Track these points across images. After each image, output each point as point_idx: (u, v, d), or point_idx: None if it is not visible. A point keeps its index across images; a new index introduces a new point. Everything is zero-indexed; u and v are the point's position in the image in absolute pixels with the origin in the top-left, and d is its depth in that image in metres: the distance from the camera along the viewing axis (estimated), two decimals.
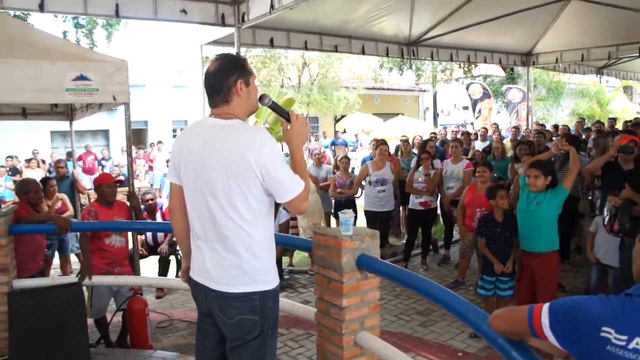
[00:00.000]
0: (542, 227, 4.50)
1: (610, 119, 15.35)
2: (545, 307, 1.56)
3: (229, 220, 2.28)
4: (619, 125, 13.72)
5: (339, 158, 8.23)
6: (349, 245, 2.68)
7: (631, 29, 10.17)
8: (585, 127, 13.15)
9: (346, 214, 2.73)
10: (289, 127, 2.43)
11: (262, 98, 2.44)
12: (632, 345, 1.35)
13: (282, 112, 2.47)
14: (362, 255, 2.71)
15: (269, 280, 2.37)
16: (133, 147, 18.00)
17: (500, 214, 5.00)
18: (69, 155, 11.91)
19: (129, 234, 5.18)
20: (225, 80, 2.33)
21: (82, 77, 4.75)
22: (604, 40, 11.19)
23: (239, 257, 2.30)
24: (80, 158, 16.26)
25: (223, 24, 6.80)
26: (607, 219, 4.80)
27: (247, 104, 2.40)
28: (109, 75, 4.99)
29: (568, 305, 1.54)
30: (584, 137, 10.51)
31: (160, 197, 13.49)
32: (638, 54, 11.50)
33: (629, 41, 10.97)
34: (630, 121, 11.77)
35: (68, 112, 8.13)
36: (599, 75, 16.56)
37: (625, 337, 1.37)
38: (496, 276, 4.94)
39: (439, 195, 7.35)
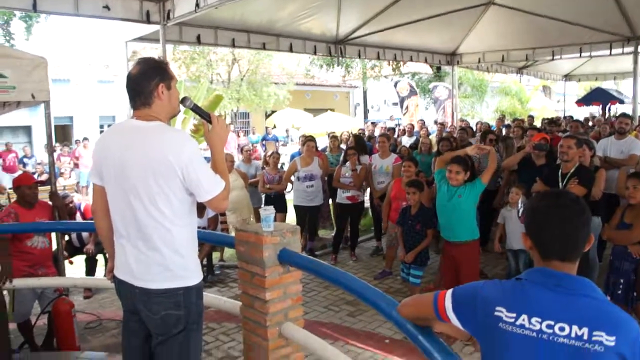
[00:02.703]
0: (462, 218, 4.76)
1: (529, 116, 16.20)
2: (449, 292, 1.74)
3: (151, 219, 2.34)
4: (538, 122, 14.54)
5: (268, 154, 8.29)
6: (270, 241, 2.79)
7: (546, 34, 10.92)
8: (505, 123, 13.82)
9: (267, 211, 2.83)
10: (210, 129, 2.50)
11: (183, 100, 2.51)
12: (519, 321, 1.54)
13: (203, 114, 2.54)
14: (284, 250, 2.83)
15: (192, 276, 2.44)
16: (58, 144, 17.54)
17: (415, 207, 5.28)
18: None
19: (53, 234, 5.06)
20: (146, 84, 2.38)
21: None
22: (522, 43, 11.86)
23: (161, 254, 2.36)
24: None
25: (148, 21, 6.68)
26: (520, 210, 5.20)
27: (169, 107, 2.46)
28: (27, 73, 4.84)
29: (468, 290, 1.71)
30: (504, 133, 11.06)
31: (87, 194, 13.11)
32: (552, 57, 12.23)
33: (544, 45, 11.69)
34: (547, 119, 12.54)
35: None
36: (519, 75, 17.47)
37: (514, 315, 1.55)
38: (410, 264, 5.21)
39: (368, 189, 7.56)
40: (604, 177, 5.35)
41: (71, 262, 6.25)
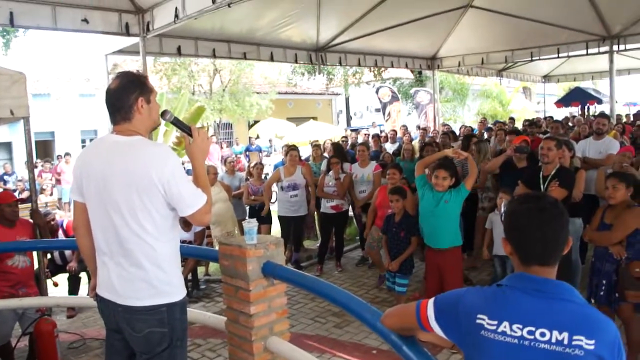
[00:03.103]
0: (447, 224, 4.75)
1: (510, 118, 16.35)
2: (431, 301, 1.74)
3: (133, 235, 2.32)
4: (519, 124, 14.68)
5: (252, 164, 8.26)
6: (254, 254, 2.78)
7: (524, 36, 11.06)
8: (487, 126, 13.92)
9: (250, 224, 2.81)
10: (191, 142, 2.49)
11: (163, 114, 2.49)
12: (500, 328, 1.55)
13: (184, 127, 2.53)
14: (268, 262, 2.81)
15: (175, 292, 2.42)
16: (39, 160, 17.34)
17: (398, 215, 5.28)
18: None
19: (34, 253, 4.98)
20: (126, 99, 2.37)
21: None
22: (500, 46, 11.99)
23: (144, 271, 2.33)
24: None
25: (127, 33, 6.66)
26: (503, 215, 5.18)
27: (149, 120, 2.45)
28: (5, 89, 4.78)
29: (450, 298, 1.71)
30: (485, 135, 11.14)
31: (70, 211, 12.95)
32: (530, 59, 12.38)
33: (523, 46, 11.81)
34: (528, 121, 12.67)
35: None
36: (499, 77, 17.64)
37: (495, 322, 1.56)
38: (395, 273, 5.21)
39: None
40: (584, 178, 5.40)
41: (55, 284, 6.14)
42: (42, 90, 21.02)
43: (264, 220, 7.48)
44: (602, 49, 10.85)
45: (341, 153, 7.92)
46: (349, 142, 11.30)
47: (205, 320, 3.40)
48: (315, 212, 8.09)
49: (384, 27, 9.96)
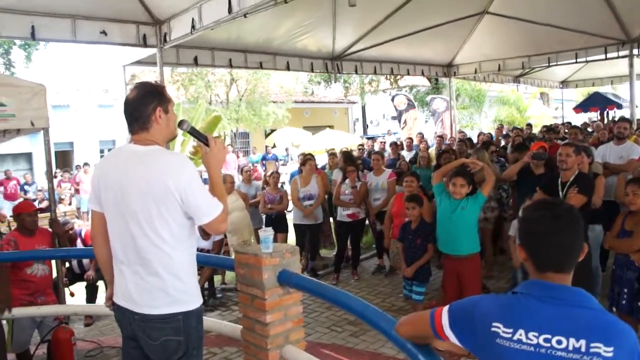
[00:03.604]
0: (465, 231, 4.72)
1: (527, 124, 16.21)
2: (445, 309, 1.71)
3: (150, 244, 2.33)
4: (536, 130, 14.54)
5: (268, 173, 8.28)
6: (270, 262, 2.77)
7: (541, 41, 10.97)
8: (504, 133, 13.82)
9: (266, 232, 2.81)
10: (207, 151, 2.50)
11: (181, 124, 2.51)
12: (516, 336, 1.52)
13: (201, 137, 2.54)
14: (283, 271, 2.81)
15: (191, 300, 2.42)
16: (58, 170, 17.57)
17: (415, 222, 5.25)
18: None
19: (53, 261, 5.04)
20: (144, 109, 2.39)
21: None
22: (517, 52, 11.91)
23: (161, 279, 2.34)
24: (0, 184, 15.56)
25: (145, 44, 6.75)
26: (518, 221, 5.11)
27: (167, 130, 2.47)
28: (26, 101, 4.89)
29: (465, 306, 1.69)
30: (503, 142, 11.06)
31: (88, 220, 13.09)
32: (547, 64, 12.27)
33: (540, 52, 11.72)
34: (545, 127, 12.55)
35: None
36: (516, 84, 17.51)
37: (510, 330, 1.53)
38: (412, 280, 5.17)
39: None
40: (604, 184, 5.32)
41: (72, 294, 6.19)
42: (62, 101, 21.34)
43: (281, 229, 7.49)
44: (622, 53, 10.73)
45: (351, 161, 7.90)
46: (366, 150, 11.27)
47: (221, 328, 3.40)
48: (332, 220, 8.08)
49: (400, 34, 9.97)
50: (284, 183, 10.85)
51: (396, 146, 11.22)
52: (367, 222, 7.73)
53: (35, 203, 12.81)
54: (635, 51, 10.54)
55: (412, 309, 5.32)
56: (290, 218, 7.69)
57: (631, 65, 10.70)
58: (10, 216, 8.74)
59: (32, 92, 4.94)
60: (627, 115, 10.31)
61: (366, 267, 7.91)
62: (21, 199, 12.66)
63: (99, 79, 26.77)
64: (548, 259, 1.59)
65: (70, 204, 14.83)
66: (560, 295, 1.55)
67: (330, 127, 22.44)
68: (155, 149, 2.39)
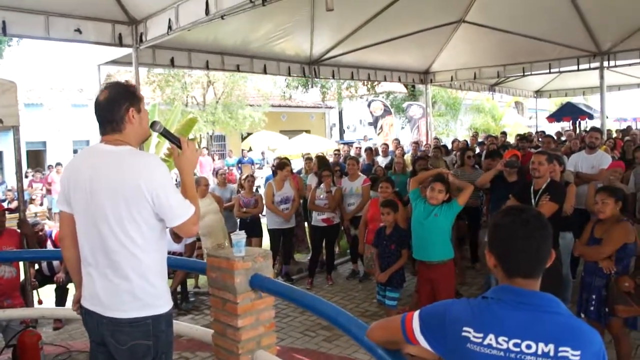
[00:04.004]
0: (437, 238, 4.76)
1: (502, 132, 16.44)
2: (416, 314, 1.72)
3: (120, 246, 2.29)
4: (511, 139, 14.77)
5: (243, 177, 8.23)
6: (242, 266, 2.75)
7: (516, 51, 11.18)
8: (479, 141, 13.98)
9: (238, 235, 2.79)
10: (180, 154, 2.48)
11: (153, 125, 2.48)
12: (486, 341, 1.54)
13: (173, 139, 2.51)
14: (256, 275, 2.78)
15: (161, 304, 2.39)
16: (30, 170, 17.22)
17: (389, 227, 5.27)
18: None
19: (20, 263, 4.92)
20: (117, 110, 2.35)
21: None
22: (493, 61, 12.12)
23: (130, 283, 2.30)
24: None
25: (120, 44, 6.66)
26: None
27: (140, 130, 2.44)
28: None
29: (436, 310, 1.70)
30: (477, 150, 11.18)
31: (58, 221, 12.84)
32: (522, 74, 12.49)
33: (515, 62, 11.95)
34: (519, 135, 12.75)
35: None
36: (491, 92, 17.76)
37: (481, 335, 1.55)
38: (385, 285, 5.18)
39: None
40: (574, 192, 5.42)
41: (40, 302, 6.04)
42: (35, 100, 20.97)
43: (255, 233, 7.45)
44: (593, 65, 11.00)
45: (327, 166, 7.92)
46: (342, 156, 11.30)
47: (192, 333, 3.35)
48: (306, 225, 8.07)
49: (377, 41, 10.02)
50: (259, 187, 10.79)
51: (371, 152, 11.28)
52: (342, 227, 7.74)
53: (5, 203, 12.55)
54: (605, 63, 10.81)
55: (385, 315, 5.33)
56: (265, 222, 7.65)
57: (602, 77, 10.95)
58: None
59: (1, 89, 4.84)
60: (598, 126, 10.53)
61: (340, 272, 7.91)
62: None
63: (74, 78, 26.47)
64: (516, 264, 1.60)
65: (41, 204, 14.52)
66: (529, 300, 1.57)
67: (307, 131, 22.43)
68: (127, 149, 2.35)
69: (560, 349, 1.47)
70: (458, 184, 5.05)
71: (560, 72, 13.01)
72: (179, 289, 6.55)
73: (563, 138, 13.18)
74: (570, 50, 10.65)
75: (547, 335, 1.49)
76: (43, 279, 6.39)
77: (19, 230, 4.91)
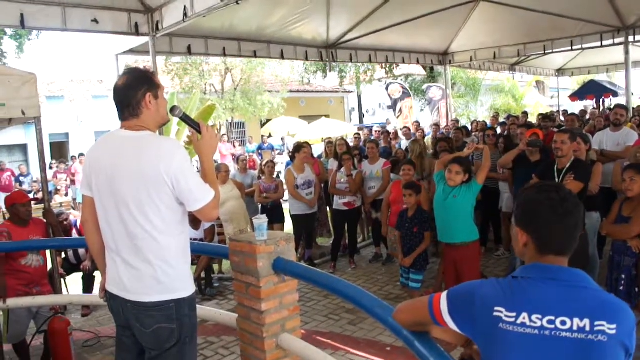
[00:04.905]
0: (458, 219, 4.74)
1: (523, 112, 16.18)
2: (444, 294, 1.69)
3: (142, 230, 2.31)
4: (532, 119, 14.53)
5: (263, 163, 8.25)
6: (264, 250, 2.75)
7: (537, 29, 10.90)
8: (500, 121, 13.78)
9: (260, 219, 2.78)
10: (199, 138, 2.48)
11: (173, 110, 2.49)
12: (520, 320, 1.51)
13: (193, 124, 2.51)
14: (278, 259, 2.78)
15: (184, 287, 2.40)
16: (54, 161, 17.47)
17: (412, 210, 5.24)
18: None
19: (48, 252, 5.00)
20: (133, 95, 2.36)
21: None
22: (513, 39, 11.84)
23: (152, 267, 2.32)
24: None
25: (137, 33, 6.66)
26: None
27: (157, 116, 2.44)
28: (16, 90, 4.83)
29: (464, 291, 1.67)
30: (499, 130, 11.02)
31: None
32: (543, 52, 12.23)
33: (535, 40, 11.66)
34: (542, 115, 12.52)
35: None
36: (511, 72, 17.45)
37: (514, 314, 1.52)
38: (409, 268, 5.16)
39: None
40: (601, 170, 5.31)
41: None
42: (56, 92, 21.21)
43: (277, 219, 7.47)
44: (617, 41, 10.67)
45: (348, 149, 7.87)
46: (362, 139, 11.24)
47: (217, 317, 3.37)
48: (328, 209, 8.06)
49: (395, 22, 9.87)
50: (280, 172, 10.79)
51: (388, 135, 11.20)
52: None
53: (31, 194, 12.77)
54: (630, 38, 10.47)
55: (409, 297, 5.32)
56: (287, 208, 7.66)
57: (627, 53, 10.65)
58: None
59: (22, 81, 4.89)
60: (623, 103, 10.29)
61: (363, 255, 7.91)
62: (16, 190, 12.58)
63: (93, 70, 26.66)
64: (553, 242, 1.58)
65: (66, 194, 14.75)
66: (560, 276, 1.54)
67: (326, 116, 22.36)
68: (146, 134, 2.37)
69: (596, 323, 1.45)
70: (485, 157, 5.02)
71: (583, 49, 12.74)
72: (203, 274, 6.61)
73: (587, 117, 12.90)
74: (593, 25, 10.34)
75: (581, 310, 1.47)
76: (70, 268, 6.52)
77: (44, 220, 4.99)
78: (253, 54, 9.20)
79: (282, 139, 20.96)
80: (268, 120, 22.57)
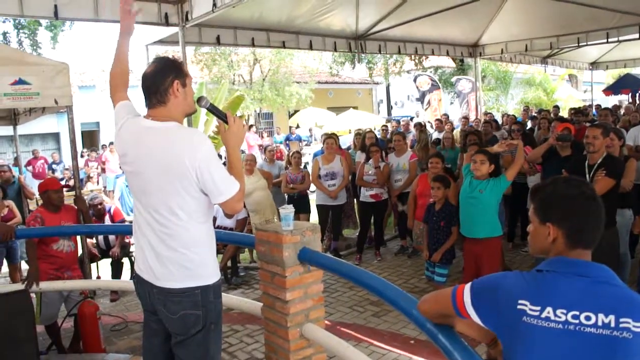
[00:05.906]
0: (482, 214, 4.66)
1: (555, 106, 15.89)
2: (467, 286, 1.68)
3: (167, 219, 2.35)
4: (564, 113, 14.25)
5: (290, 153, 8.27)
6: (290, 240, 2.76)
7: (571, 20, 10.60)
8: (531, 115, 13.57)
9: (286, 209, 2.80)
10: (226, 129, 2.48)
11: (200, 100, 2.50)
12: (544, 314, 1.49)
13: (220, 115, 2.52)
14: (304, 249, 2.79)
15: (209, 274, 2.43)
16: (85, 150, 17.80)
17: (439, 203, 5.19)
18: (16, 160, 11.54)
19: (78, 237, 5.11)
20: (161, 82, 2.38)
21: (20, 82, 4.68)
22: (545, 31, 11.58)
23: (178, 254, 2.36)
24: (29, 163, 15.85)
25: (167, 23, 6.71)
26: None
27: (184, 104, 2.45)
28: (49, 79, 4.93)
29: (488, 283, 1.66)
30: (530, 125, 10.85)
31: (114, 199, 13.28)
32: (577, 45, 11.95)
33: (569, 32, 11.38)
34: (574, 109, 12.27)
35: (11, 117, 7.93)
36: (543, 65, 17.11)
37: (538, 308, 1.50)
38: (434, 261, 5.13)
39: None
40: (634, 167, 5.17)
41: (98, 277, 6.27)
42: (88, 82, 21.57)
43: (303, 209, 7.49)
44: None
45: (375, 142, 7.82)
46: (389, 131, 11.18)
47: (241, 306, 3.41)
48: (355, 201, 8.05)
49: (425, 13, 9.75)
50: (307, 163, 10.81)
51: (421, 127, 11.10)
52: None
53: (63, 181, 13.05)
54: None
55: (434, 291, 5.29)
56: (313, 199, 7.68)
57: None
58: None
59: (55, 71, 4.99)
60: None
61: (389, 247, 7.89)
62: (49, 177, 12.86)
63: None
64: (586, 235, 1.58)
65: (97, 182, 15.01)
66: (586, 271, 1.53)
67: (354, 108, 22.28)
68: (171, 124, 2.37)
69: (622, 319, 1.42)
70: (518, 154, 4.89)
71: (619, 42, 12.38)
72: (229, 263, 6.68)
73: (622, 112, 12.59)
74: (630, 17, 10.01)
75: (607, 306, 1.45)
76: (100, 253, 6.65)
77: (75, 207, 5.10)
78: (282, 45, 9.20)
79: (310, 130, 20.96)
80: (296, 111, 22.58)
